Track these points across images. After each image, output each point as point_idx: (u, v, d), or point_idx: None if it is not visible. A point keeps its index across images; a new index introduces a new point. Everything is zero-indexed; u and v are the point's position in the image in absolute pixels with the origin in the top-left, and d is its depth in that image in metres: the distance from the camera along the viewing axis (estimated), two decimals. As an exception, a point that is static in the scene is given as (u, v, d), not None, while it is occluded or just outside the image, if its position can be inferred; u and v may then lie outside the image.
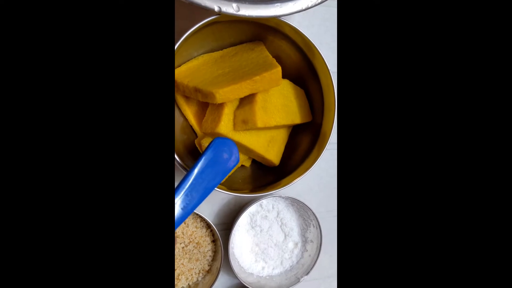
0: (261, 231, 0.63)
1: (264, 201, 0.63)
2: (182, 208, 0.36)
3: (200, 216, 0.57)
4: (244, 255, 0.62)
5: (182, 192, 0.36)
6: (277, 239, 0.63)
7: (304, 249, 0.64)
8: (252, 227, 0.63)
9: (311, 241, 0.63)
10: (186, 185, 0.36)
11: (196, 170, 0.37)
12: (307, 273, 0.61)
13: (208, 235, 0.58)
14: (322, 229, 0.62)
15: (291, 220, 0.64)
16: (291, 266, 0.64)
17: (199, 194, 0.37)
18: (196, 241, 0.57)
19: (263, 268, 0.63)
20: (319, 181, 0.68)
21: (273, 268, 0.64)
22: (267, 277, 0.63)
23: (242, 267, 0.61)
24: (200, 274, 0.59)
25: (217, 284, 0.63)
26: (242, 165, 0.58)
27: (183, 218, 0.36)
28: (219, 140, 0.39)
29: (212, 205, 0.62)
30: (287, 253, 0.64)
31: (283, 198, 0.64)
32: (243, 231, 0.63)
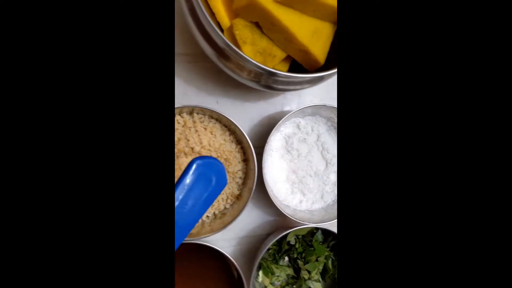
0: (298, 155, 0.53)
1: (302, 122, 0.53)
2: None
3: (230, 127, 0.48)
4: (279, 184, 0.52)
5: None
6: (317, 167, 0.53)
7: (349, 181, 0.54)
8: (288, 151, 0.53)
9: (358, 170, 0.53)
10: None
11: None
12: (356, 204, 0.50)
13: (238, 152, 0.49)
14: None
15: (334, 146, 0.54)
16: (333, 200, 0.54)
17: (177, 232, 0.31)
18: (225, 157, 0.47)
19: (300, 201, 0.53)
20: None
21: (313, 203, 0.53)
22: (306, 211, 0.53)
23: (277, 197, 0.51)
24: (228, 201, 0.49)
25: (248, 214, 0.53)
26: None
27: None
28: (199, 160, 0.32)
29: (243, 121, 0.53)
30: (329, 185, 0.54)
31: (324, 119, 0.54)
32: (277, 156, 0.53)
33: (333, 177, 0.54)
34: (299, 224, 0.51)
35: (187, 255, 0.48)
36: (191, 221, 0.32)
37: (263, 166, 0.48)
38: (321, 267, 0.53)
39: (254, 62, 0.39)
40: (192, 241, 0.44)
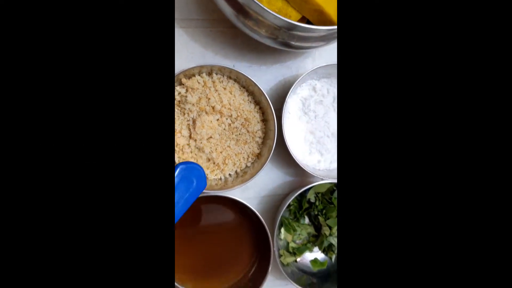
0: (315, 117, 0.54)
1: (318, 84, 0.55)
2: None
3: (248, 88, 0.49)
4: (297, 145, 0.54)
5: None
6: (334, 128, 0.55)
7: (365, 140, 0.55)
8: (305, 113, 0.54)
9: (375, 128, 0.54)
10: None
11: None
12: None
13: (257, 112, 0.50)
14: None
15: (349, 107, 0.55)
16: (351, 159, 0.55)
17: None
18: (245, 116, 0.48)
19: (318, 161, 0.55)
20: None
21: (331, 162, 0.55)
22: (324, 171, 0.54)
23: (296, 157, 0.53)
24: (249, 159, 0.51)
25: (268, 174, 0.55)
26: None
27: None
28: (183, 165, 0.36)
29: (260, 84, 0.54)
30: (346, 145, 0.55)
31: (339, 80, 0.55)
32: (295, 118, 0.54)
33: (350, 137, 0.55)
34: (318, 180, 0.53)
35: (211, 210, 0.50)
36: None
37: (282, 126, 0.49)
38: (341, 224, 0.54)
39: (274, 13, 0.40)
40: (218, 194, 0.46)
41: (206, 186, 0.39)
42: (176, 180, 0.36)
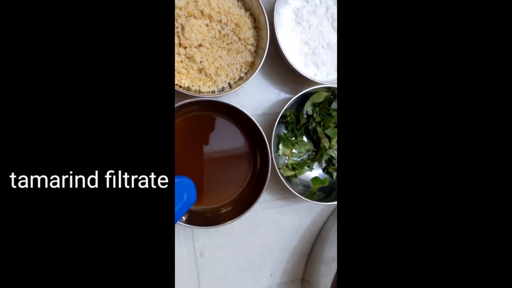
0: (309, 26, 0.52)
1: (309, -6, 0.53)
2: None
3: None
4: (292, 57, 0.52)
5: None
6: (329, 38, 0.53)
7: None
8: (299, 23, 0.52)
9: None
10: None
11: None
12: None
13: (248, 18, 0.48)
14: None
15: (344, 18, 0.53)
16: (348, 71, 0.53)
17: None
18: (235, 21, 0.46)
19: (315, 74, 0.53)
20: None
21: (327, 75, 0.53)
22: (322, 82, 0.52)
23: (292, 65, 0.51)
24: (243, 69, 0.49)
25: (263, 92, 0.54)
26: None
27: None
28: (176, 180, 0.37)
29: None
30: (342, 58, 0.53)
31: (332, -10, 0.53)
32: (288, 30, 0.52)
33: (346, 49, 0.53)
34: (315, 91, 0.51)
35: (207, 120, 0.49)
36: None
37: (276, 34, 0.47)
38: (340, 136, 0.53)
39: None
40: (213, 99, 0.45)
41: (196, 200, 0.40)
42: None
